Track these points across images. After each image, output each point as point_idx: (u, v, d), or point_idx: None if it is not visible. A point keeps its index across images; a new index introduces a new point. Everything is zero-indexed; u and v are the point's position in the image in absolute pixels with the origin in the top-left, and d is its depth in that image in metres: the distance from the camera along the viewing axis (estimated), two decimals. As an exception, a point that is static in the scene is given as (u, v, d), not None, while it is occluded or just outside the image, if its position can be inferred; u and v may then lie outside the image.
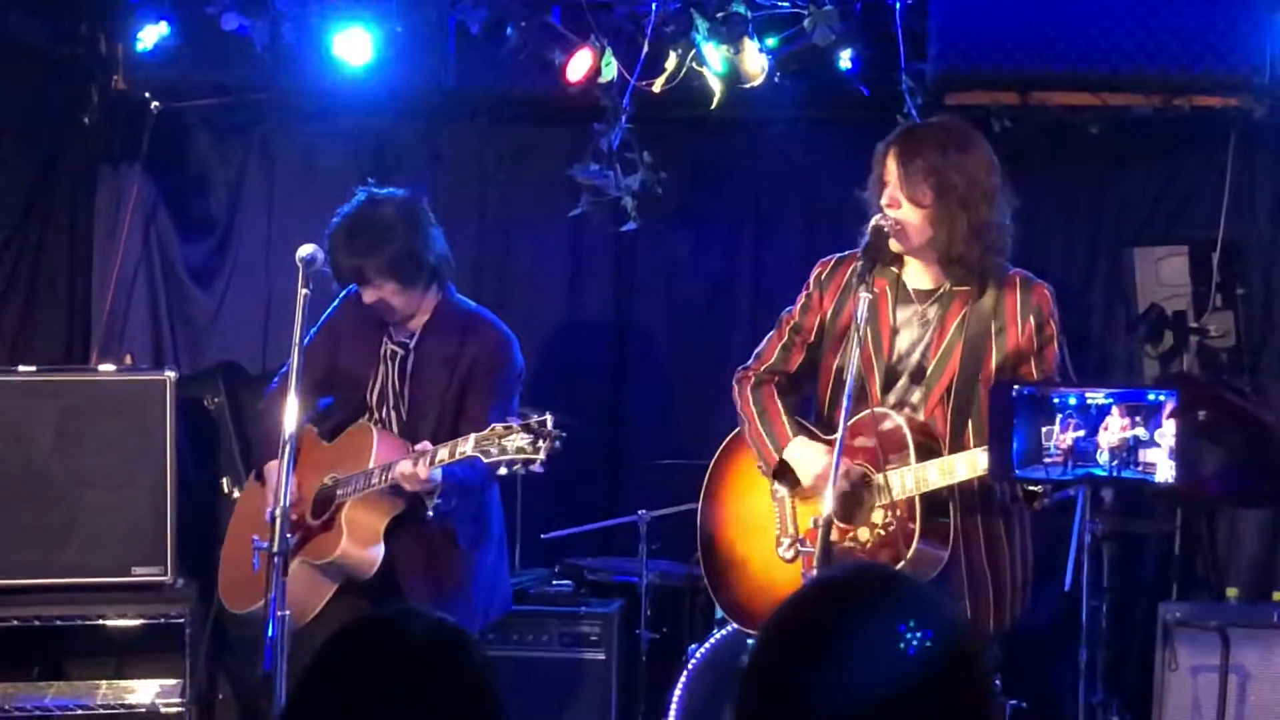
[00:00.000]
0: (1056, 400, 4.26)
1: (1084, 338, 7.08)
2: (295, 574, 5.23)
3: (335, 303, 5.73)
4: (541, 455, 4.88)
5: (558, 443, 4.87)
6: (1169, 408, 4.16)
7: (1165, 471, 4.19)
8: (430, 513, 5.24)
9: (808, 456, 4.84)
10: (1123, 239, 7.12)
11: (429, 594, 5.41)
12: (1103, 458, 4.25)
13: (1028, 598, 4.91)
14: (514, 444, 4.88)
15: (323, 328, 5.70)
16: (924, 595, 2.05)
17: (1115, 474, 4.25)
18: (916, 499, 4.63)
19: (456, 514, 5.40)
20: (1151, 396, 4.22)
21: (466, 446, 4.99)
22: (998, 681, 5.52)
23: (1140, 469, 4.23)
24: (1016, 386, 4.34)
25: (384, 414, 5.55)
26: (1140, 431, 4.21)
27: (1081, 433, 4.25)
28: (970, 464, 4.58)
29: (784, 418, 4.95)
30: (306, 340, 5.63)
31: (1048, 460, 4.29)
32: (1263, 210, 6.98)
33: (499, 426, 4.93)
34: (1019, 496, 4.75)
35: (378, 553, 5.35)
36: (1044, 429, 4.26)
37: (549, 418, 4.91)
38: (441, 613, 5.18)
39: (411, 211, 5.53)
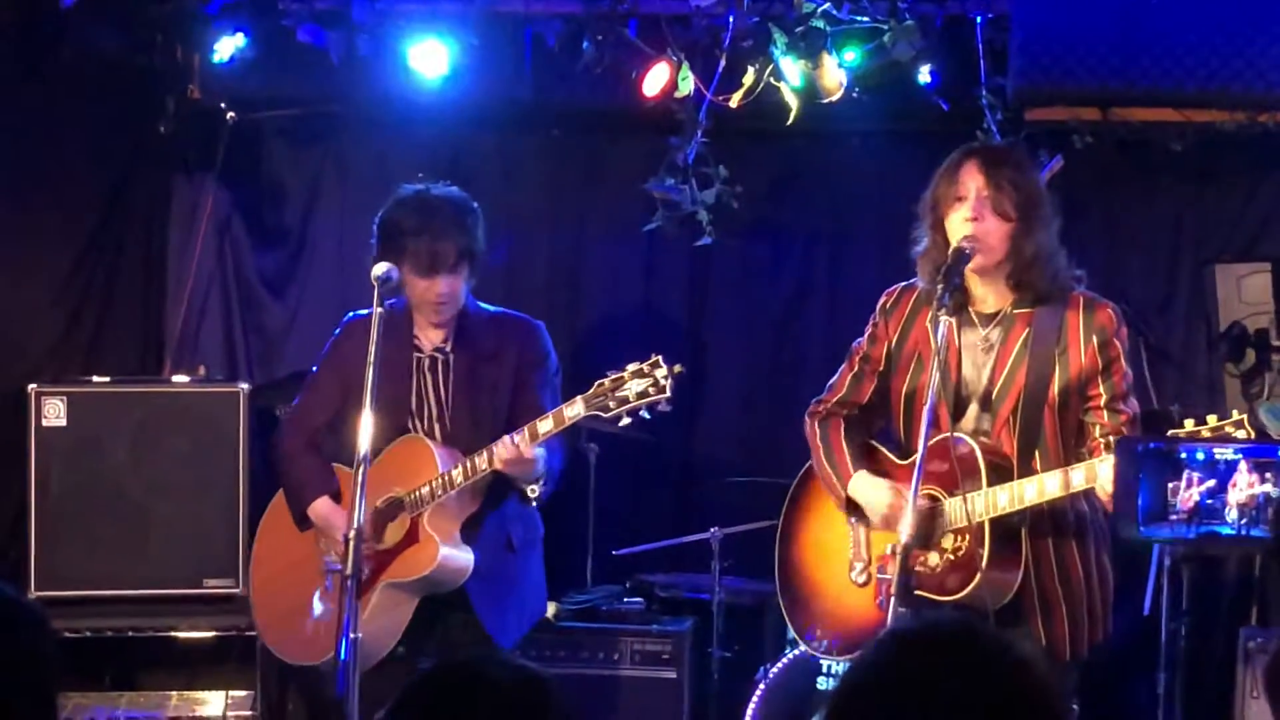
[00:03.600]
0: (1184, 455, 4.16)
1: (1165, 355, 7.02)
2: (377, 603, 5.22)
3: (337, 331, 5.61)
4: (668, 392, 4.84)
5: (672, 379, 4.84)
6: None
7: None
8: (535, 501, 5.25)
9: (871, 494, 4.79)
10: (1204, 256, 7.05)
11: (490, 599, 5.39)
12: (1231, 515, 4.15)
13: (1109, 622, 4.82)
14: (632, 390, 4.85)
15: (329, 359, 5.57)
16: (1002, 648, 2.01)
17: (1244, 533, 4.14)
18: (986, 524, 4.57)
19: (510, 515, 5.39)
20: (1283, 453, 4.12)
21: (575, 409, 4.95)
22: (1075, 707, 5.46)
23: (1269, 528, 4.12)
24: (1141, 442, 4.25)
25: (424, 425, 5.43)
26: (1270, 488, 4.10)
27: (1211, 483, 4.15)
28: (1039, 488, 4.51)
29: (847, 452, 4.88)
30: (312, 375, 5.65)
31: (1174, 518, 4.18)
32: (1347, 228, 6.90)
33: (605, 381, 4.90)
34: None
35: (470, 556, 5.30)
36: (1170, 485, 4.16)
37: (656, 357, 4.89)
38: (501, 613, 5.23)
39: (472, 203, 5.49)
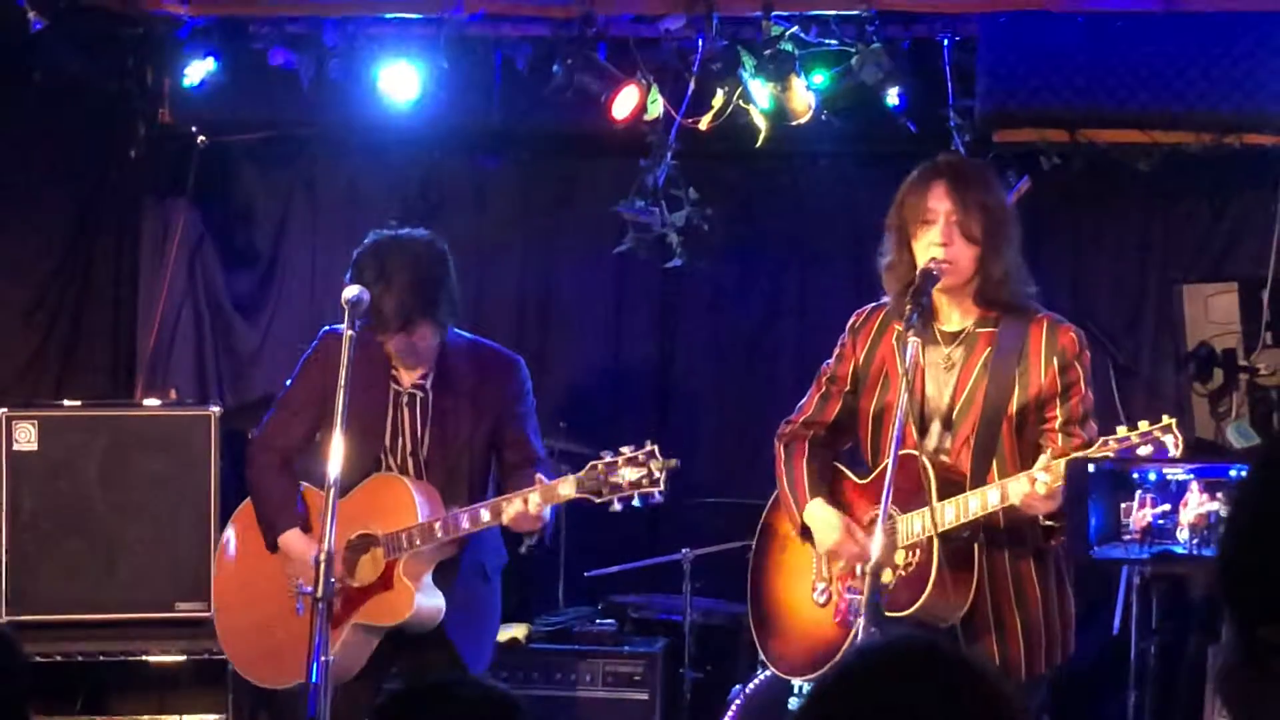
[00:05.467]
0: (1136, 476, 4.18)
1: (1133, 375, 7.05)
2: (346, 639, 5.16)
3: (313, 345, 5.47)
4: (662, 485, 4.85)
5: (667, 473, 4.85)
6: None
7: None
8: (523, 550, 5.25)
9: (821, 524, 4.81)
10: (1172, 276, 7.07)
11: (466, 629, 5.36)
12: (1182, 535, 4.17)
13: (1070, 641, 4.82)
14: (625, 478, 4.85)
15: (304, 374, 5.45)
16: (965, 665, 2.03)
17: (1195, 552, 4.17)
18: (935, 539, 4.58)
19: (484, 546, 5.39)
20: (1233, 473, 4.14)
21: (567, 489, 4.94)
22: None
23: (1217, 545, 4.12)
24: (1093, 464, 4.27)
25: (397, 460, 5.35)
26: (1221, 508, 4.12)
27: (1165, 508, 4.17)
28: (982, 501, 4.52)
29: (807, 478, 4.89)
30: (286, 390, 5.58)
31: (1126, 538, 4.21)
32: (1313, 247, 6.94)
33: (600, 464, 4.88)
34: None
35: (442, 603, 5.25)
36: (1122, 505, 4.18)
37: (652, 446, 4.89)
38: (478, 642, 5.23)
39: (442, 251, 5.31)
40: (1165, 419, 4.33)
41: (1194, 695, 6.39)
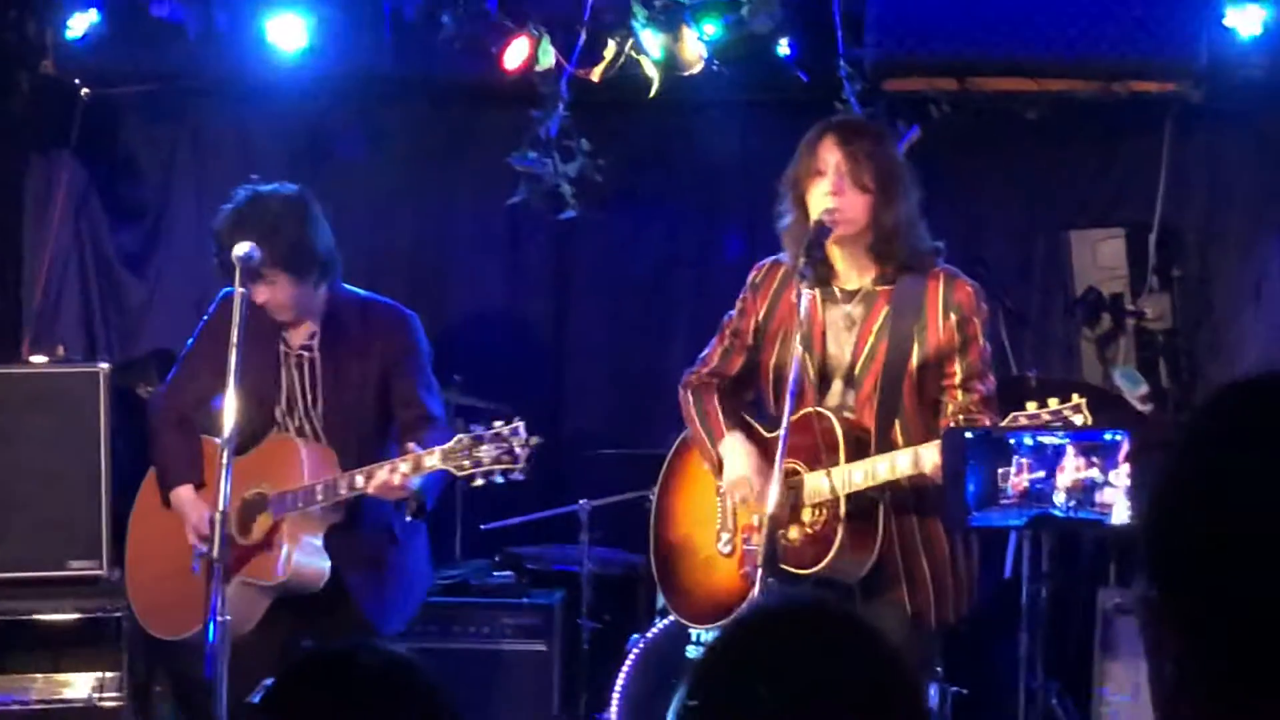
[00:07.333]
0: (1012, 441, 4.27)
1: (1023, 321, 7.10)
2: (234, 594, 5.12)
3: (212, 306, 5.53)
4: (522, 464, 4.82)
5: (533, 450, 4.82)
6: (1124, 448, 4.18)
7: (1121, 512, 4.21)
8: (408, 517, 5.23)
9: (733, 455, 4.85)
10: (1060, 222, 7.14)
11: (373, 589, 5.37)
12: (1059, 499, 4.26)
13: (974, 592, 4.92)
14: (489, 455, 4.82)
15: (202, 335, 5.50)
16: (857, 630, 2.05)
17: (1071, 515, 4.26)
18: (842, 499, 4.63)
19: (391, 508, 5.37)
20: (1108, 437, 4.23)
21: (433, 460, 4.91)
22: (939, 670, 5.56)
23: (1097, 509, 4.25)
24: (968, 432, 4.34)
25: (295, 422, 5.40)
26: (1096, 472, 4.22)
27: (1040, 474, 4.25)
28: (891, 466, 4.58)
29: (720, 416, 4.93)
30: (186, 349, 5.59)
31: (1004, 502, 4.29)
32: (1198, 194, 7.04)
33: (465, 438, 4.86)
34: None
35: (325, 565, 5.26)
36: (1000, 470, 4.26)
37: (519, 423, 4.86)
38: (386, 604, 5.23)
39: (300, 204, 5.34)
40: (1075, 398, 4.42)
41: (1085, 637, 6.49)
